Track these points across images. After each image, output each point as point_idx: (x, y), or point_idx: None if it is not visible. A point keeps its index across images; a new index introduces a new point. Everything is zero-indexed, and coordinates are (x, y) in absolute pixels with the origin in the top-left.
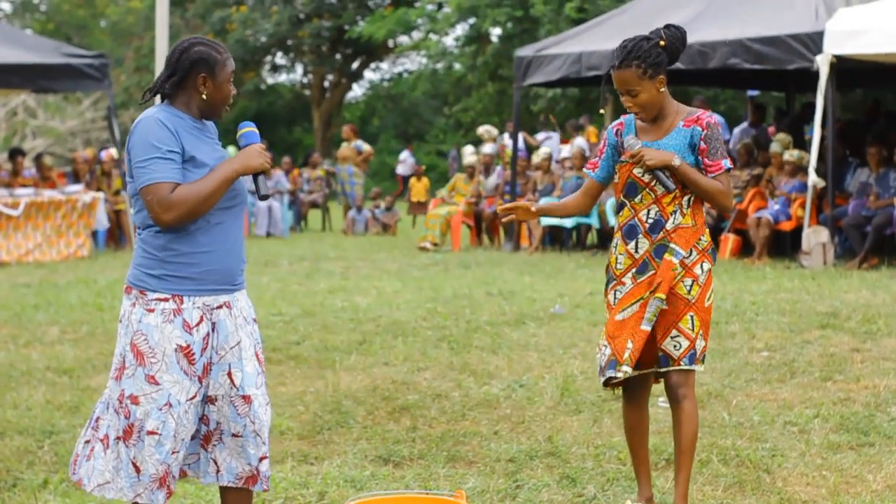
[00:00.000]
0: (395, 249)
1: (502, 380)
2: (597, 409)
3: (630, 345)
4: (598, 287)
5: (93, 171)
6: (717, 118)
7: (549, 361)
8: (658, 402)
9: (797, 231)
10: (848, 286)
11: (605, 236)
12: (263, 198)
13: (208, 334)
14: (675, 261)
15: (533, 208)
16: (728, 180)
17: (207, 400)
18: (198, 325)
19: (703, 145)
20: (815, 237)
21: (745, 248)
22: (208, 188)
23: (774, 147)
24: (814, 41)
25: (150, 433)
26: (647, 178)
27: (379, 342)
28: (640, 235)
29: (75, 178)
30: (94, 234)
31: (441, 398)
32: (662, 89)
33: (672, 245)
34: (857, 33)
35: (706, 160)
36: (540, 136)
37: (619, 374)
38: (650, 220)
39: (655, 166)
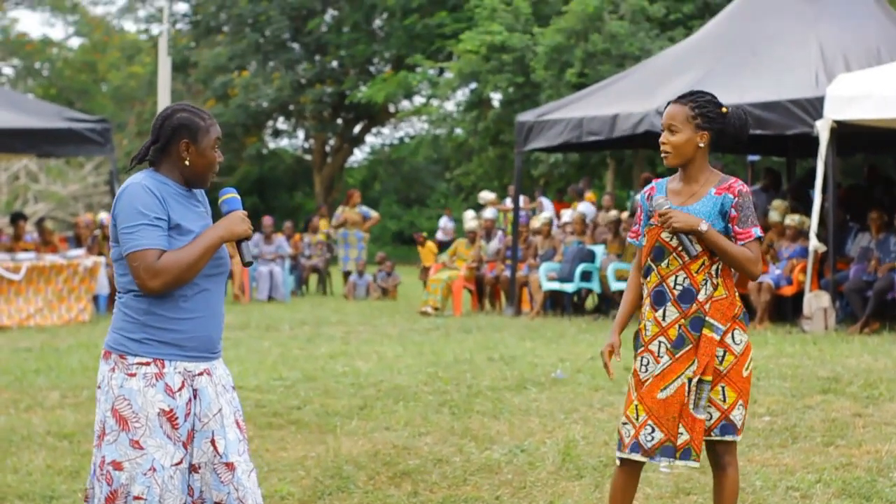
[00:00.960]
0: (396, 314)
1: (504, 445)
2: (598, 474)
3: (685, 434)
4: (599, 352)
5: (94, 235)
6: (748, 187)
7: (551, 426)
8: (660, 467)
9: (798, 296)
10: (849, 351)
11: (606, 301)
12: (247, 264)
13: (190, 400)
14: (717, 337)
15: (614, 340)
16: (758, 248)
17: (191, 469)
18: (180, 389)
19: (734, 213)
20: (817, 302)
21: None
22: (194, 255)
23: (773, 215)
24: (814, 106)
25: (136, 498)
26: (674, 242)
27: (380, 407)
28: (669, 303)
29: (77, 242)
30: (96, 299)
31: (442, 463)
32: (702, 144)
33: (709, 319)
34: (857, 99)
35: (736, 228)
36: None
37: (665, 468)
38: (679, 288)
39: (682, 230)
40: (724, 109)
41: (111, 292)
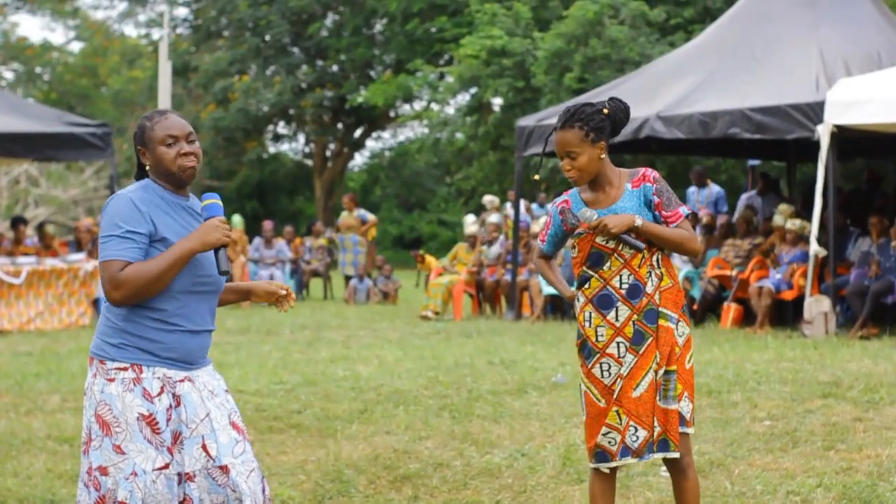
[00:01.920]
0: (396, 318)
1: (504, 449)
2: None
3: (657, 427)
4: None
5: (94, 239)
6: (657, 173)
7: (551, 430)
8: (661, 471)
9: (799, 300)
10: (850, 355)
11: None
12: (223, 273)
13: (171, 406)
14: (672, 325)
15: (567, 293)
16: (689, 225)
17: (187, 478)
18: (159, 395)
19: (657, 199)
20: (817, 306)
21: (746, 318)
22: (160, 268)
23: (777, 219)
24: (814, 111)
25: (119, 503)
26: (611, 244)
27: (380, 411)
28: (619, 303)
29: (77, 246)
30: (96, 303)
31: (443, 467)
32: (603, 156)
33: (662, 310)
34: (857, 103)
35: (664, 212)
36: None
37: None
38: (626, 286)
39: (621, 231)
40: (605, 111)
41: None
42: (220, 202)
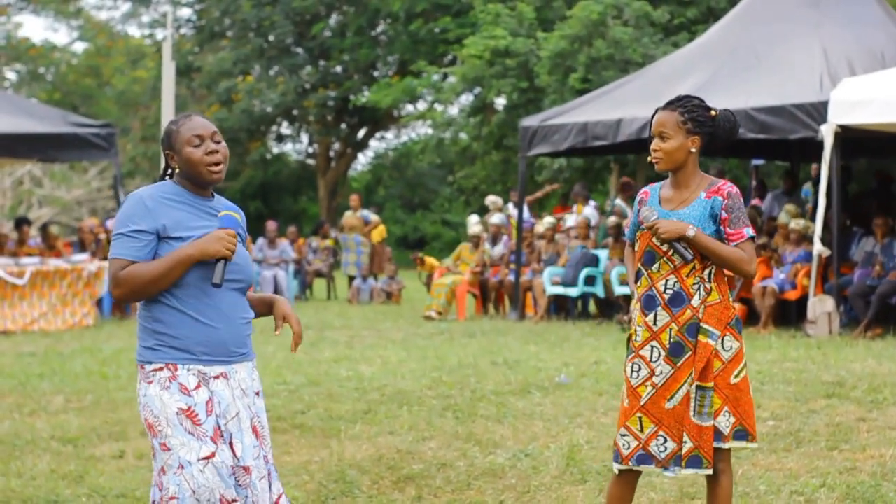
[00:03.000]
0: (400, 319)
1: (507, 449)
2: (602, 478)
3: (689, 443)
4: (603, 356)
5: (98, 240)
6: (736, 189)
7: (555, 431)
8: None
9: (803, 300)
10: (853, 355)
11: (608, 306)
12: (214, 285)
13: (211, 399)
14: (713, 342)
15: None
16: (751, 248)
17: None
18: (196, 388)
19: (724, 215)
20: (821, 306)
21: (750, 317)
22: (157, 271)
23: (783, 217)
24: (818, 111)
25: (171, 499)
26: (664, 247)
27: (384, 411)
28: (660, 307)
29: (81, 247)
30: (100, 303)
31: (446, 467)
32: (693, 150)
33: (704, 325)
34: (861, 103)
35: (728, 229)
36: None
37: (671, 473)
38: (669, 292)
39: (670, 238)
40: (713, 113)
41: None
42: (237, 216)
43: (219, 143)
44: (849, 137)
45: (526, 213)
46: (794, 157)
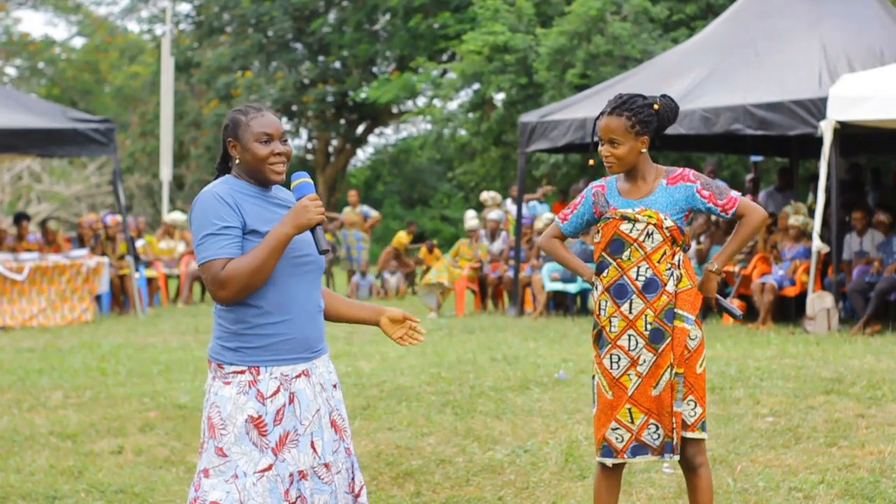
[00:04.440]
0: None
1: (506, 445)
2: None
3: (671, 426)
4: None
5: (97, 235)
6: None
7: (554, 427)
8: (664, 468)
9: (801, 296)
10: (852, 352)
11: None
12: (323, 252)
13: (284, 406)
14: (688, 327)
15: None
16: (747, 201)
17: (301, 476)
18: (273, 395)
19: (707, 193)
20: (820, 302)
21: (749, 314)
22: (260, 258)
23: (786, 210)
24: (817, 107)
25: (213, 503)
26: (634, 234)
27: (383, 407)
28: (634, 295)
29: (80, 242)
30: (98, 299)
31: (445, 463)
32: (643, 150)
33: (679, 311)
34: (860, 99)
35: (718, 202)
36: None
37: (668, 468)
38: (641, 279)
39: (712, 289)
40: (655, 106)
41: (113, 292)
42: (309, 180)
43: (285, 143)
44: (848, 133)
45: (525, 209)
46: (793, 153)
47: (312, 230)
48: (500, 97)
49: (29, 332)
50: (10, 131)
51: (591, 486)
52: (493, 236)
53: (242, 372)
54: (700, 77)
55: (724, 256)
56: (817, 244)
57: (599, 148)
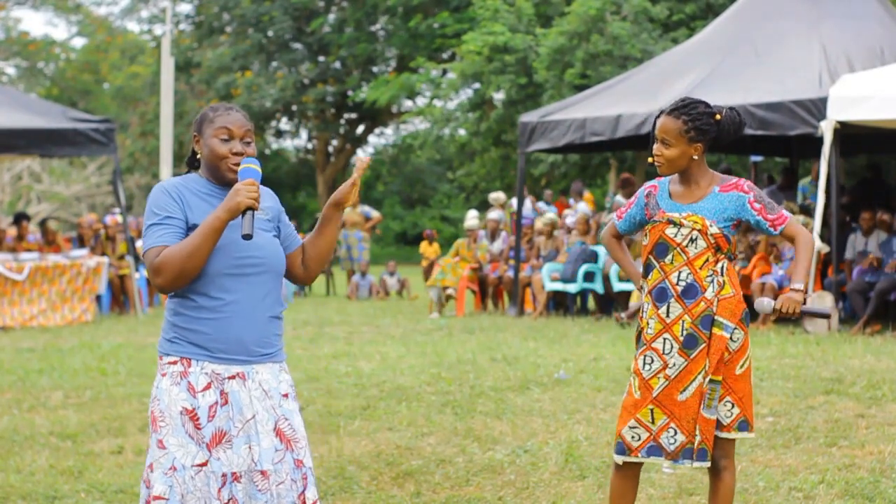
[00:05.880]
0: (399, 314)
1: (506, 445)
2: (601, 474)
3: (698, 436)
4: (601, 353)
5: (97, 235)
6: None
7: (554, 427)
8: (663, 467)
9: None
10: (852, 352)
11: (607, 302)
12: (245, 237)
13: (216, 404)
14: (727, 335)
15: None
16: (796, 221)
17: (234, 478)
18: (204, 390)
19: (757, 206)
20: (820, 303)
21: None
22: (192, 244)
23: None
24: (817, 107)
25: (157, 498)
26: (678, 238)
27: (383, 407)
28: (672, 299)
29: (80, 242)
30: (99, 299)
31: (445, 463)
32: (696, 156)
33: (718, 318)
34: (860, 99)
35: (768, 216)
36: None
37: (668, 469)
38: (682, 284)
39: (798, 304)
40: (717, 117)
41: (113, 292)
42: (254, 165)
43: (248, 144)
44: (848, 133)
45: (526, 209)
46: (793, 153)
47: (242, 213)
48: (499, 97)
49: (29, 332)
50: (10, 131)
51: (590, 487)
52: (493, 236)
53: (175, 363)
54: (700, 77)
55: (802, 275)
56: (817, 244)
57: (654, 147)
